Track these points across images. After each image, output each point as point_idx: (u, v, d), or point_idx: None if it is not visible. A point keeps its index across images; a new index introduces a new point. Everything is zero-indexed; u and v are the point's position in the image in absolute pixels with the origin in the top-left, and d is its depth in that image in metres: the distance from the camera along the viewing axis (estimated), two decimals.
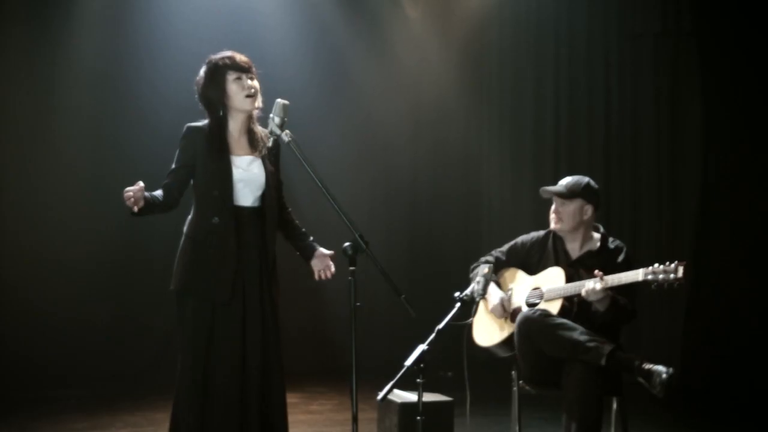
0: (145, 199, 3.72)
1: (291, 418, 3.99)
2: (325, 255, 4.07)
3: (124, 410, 6.16)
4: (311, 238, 4.12)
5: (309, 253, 4.08)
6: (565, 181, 4.45)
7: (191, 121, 3.97)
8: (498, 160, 8.33)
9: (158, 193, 3.86)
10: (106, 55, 7.44)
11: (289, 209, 4.14)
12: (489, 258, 4.61)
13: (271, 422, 3.86)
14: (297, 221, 4.15)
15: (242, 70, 3.91)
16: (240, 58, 3.94)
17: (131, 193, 3.65)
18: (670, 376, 3.83)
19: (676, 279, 3.91)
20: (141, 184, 3.69)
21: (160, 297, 7.12)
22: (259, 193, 3.92)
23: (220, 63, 3.92)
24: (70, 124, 7.40)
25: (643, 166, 7.97)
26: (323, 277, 4.12)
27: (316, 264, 4.08)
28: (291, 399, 4.00)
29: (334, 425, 5.88)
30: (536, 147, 8.20)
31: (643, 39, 7.94)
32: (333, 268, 4.08)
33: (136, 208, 3.68)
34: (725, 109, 7.54)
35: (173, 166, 3.94)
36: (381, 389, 3.58)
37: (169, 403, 6.00)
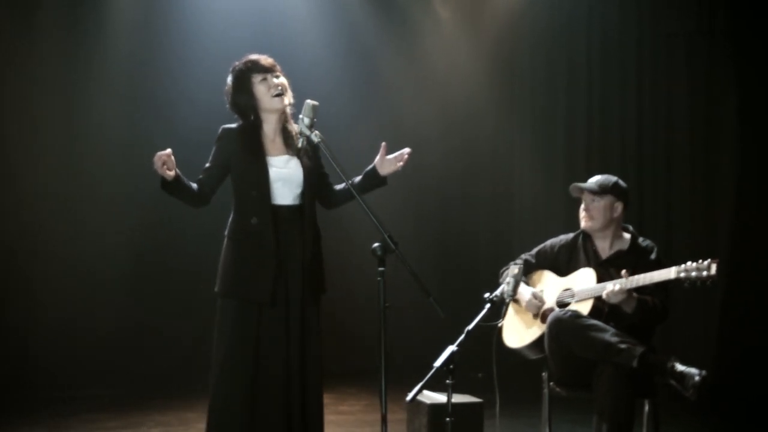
0: (177, 174, 3.75)
1: None
2: (380, 160, 3.97)
3: (156, 409, 6.21)
4: (359, 177, 4.01)
5: (374, 174, 4.00)
6: (595, 179, 4.45)
7: (216, 125, 3.99)
8: (529, 161, 8.28)
9: (193, 184, 3.90)
10: (136, 59, 7.50)
11: (335, 187, 4.05)
12: (518, 261, 4.59)
13: (306, 422, 3.86)
14: (341, 186, 4.05)
15: (266, 70, 3.92)
16: (262, 59, 3.95)
17: (163, 156, 3.68)
18: (703, 379, 3.79)
19: (708, 276, 3.87)
20: (169, 150, 3.71)
21: (191, 298, 7.24)
22: (298, 191, 3.91)
23: (244, 67, 3.94)
24: (99, 128, 7.46)
25: (677, 167, 7.87)
26: (405, 160, 3.99)
27: (389, 169, 3.99)
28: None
29: (364, 426, 5.88)
30: (567, 147, 8.13)
31: (677, 38, 7.84)
32: (405, 151, 3.97)
33: (168, 173, 3.69)
34: (760, 108, 7.46)
35: (207, 164, 3.97)
36: (410, 390, 3.57)
37: (200, 402, 6.04)
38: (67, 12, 7.35)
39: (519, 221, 8.29)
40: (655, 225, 7.62)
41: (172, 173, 3.73)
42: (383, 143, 3.98)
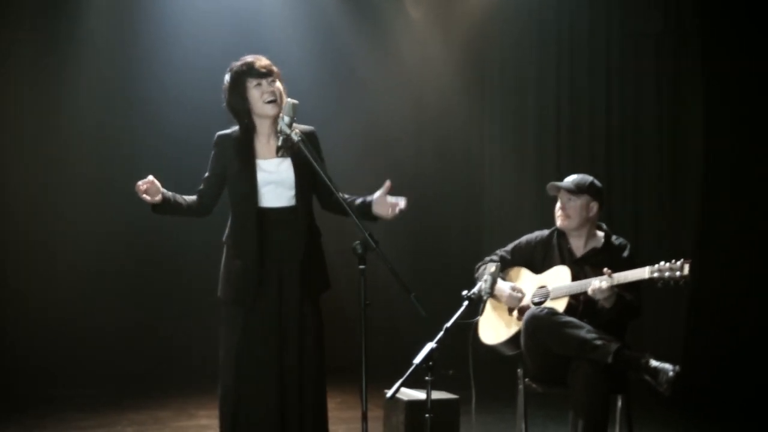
0: (164, 195, 3.79)
1: None
2: (380, 197, 3.93)
3: (131, 409, 6.19)
4: (360, 199, 3.97)
5: (367, 210, 3.93)
6: (572, 178, 4.50)
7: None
8: (500, 157, 8.37)
9: (190, 197, 3.95)
10: (114, 56, 7.48)
11: (338, 195, 3.88)
12: (494, 257, 4.63)
13: (307, 423, 3.89)
14: (346, 197, 3.97)
15: (261, 75, 3.89)
16: (259, 63, 3.91)
17: (141, 186, 3.73)
18: (676, 374, 3.87)
19: (682, 277, 3.94)
20: (150, 177, 3.76)
21: (167, 299, 7.24)
22: (291, 192, 3.92)
23: (240, 70, 3.91)
24: (80, 127, 7.43)
25: (645, 164, 7.98)
26: (396, 212, 3.94)
27: (380, 211, 3.93)
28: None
29: (339, 423, 5.89)
30: (537, 145, 8.22)
31: (645, 38, 7.95)
32: (401, 203, 3.91)
33: (149, 198, 3.74)
34: (726, 108, 7.56)
35: (206, 174, 4.00)
36: (385, 387, 3.60)
37: (175, 401, 6.06)
38: (40, 10, 7.29)
39: (489, 217, 8.38)
40: (623, 221, 7.72)
41: (157, 198, 3.76)
42: (388, 182, 3.92)
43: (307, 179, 3.95)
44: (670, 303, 7.51)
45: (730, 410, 6.52)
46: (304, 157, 3.88)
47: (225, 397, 3.88)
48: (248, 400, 3.84)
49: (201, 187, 3.99)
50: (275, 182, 3.90)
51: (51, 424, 5.76)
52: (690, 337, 7.43)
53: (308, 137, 3.86)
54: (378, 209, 3.92)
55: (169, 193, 3.86)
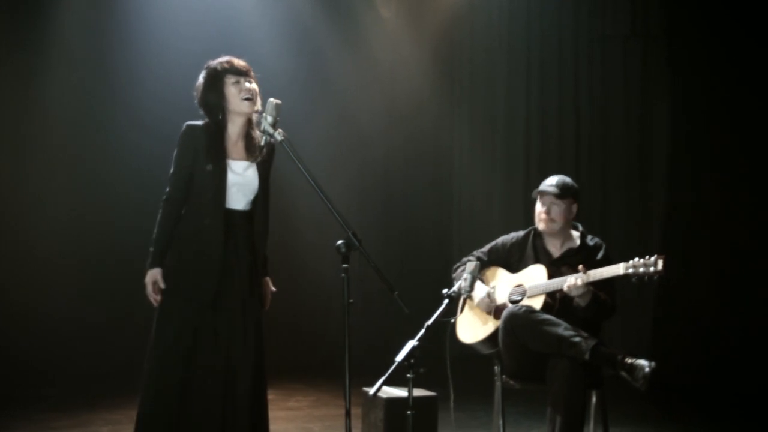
0: (163, 268, 3.89)
1: (270, 414, 4.04)
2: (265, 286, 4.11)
3: (104, 408, 6.15)
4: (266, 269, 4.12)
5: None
6: (555, 181, 4.51)
7: (178, 115, 4.00)
8: (469, 157, 8.46)
9: (162, 215, 3.94)
10: (93, 51, 7.48)
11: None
12: (471, 258, 4.67)
13: (252, 420, 3.89)
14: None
15: (240, 73, 3.94)
16: (238, 62, 3.97)
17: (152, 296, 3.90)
18: (653, 370, 3.94)
19: (656, 272, 4.00)
20: (155, 284, 3.89)
21: (138, 294, 7.17)
22: (251, 197, 3.97)
23: (219, 67, 3.95)
24: (61, 123, 7.43)
25: (612, 163, 8.13)
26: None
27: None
28: (268, 396, 4.04)
29: (314, 421, 5.93)
30: (506, 142, 8.35)
31: (613, 40, 8.08)
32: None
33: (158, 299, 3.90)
34: (691, 108, 7.72)
35: (173, 169, 3.95)
36: (357, 385, 3.63)
37: None
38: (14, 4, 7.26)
39: (459, 216, 8.47)
40: (591, 219, 7.83)
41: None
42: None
43: (267, 186, 4.02)
44: (637, 299, 7.65)
45: (694, 404, 6.67)
46: (266, 163, 3.98)
47: (159, 394, 3.84)
48: (195, 401, 3.83)
49: (169, 188, 3.94)
50: (239, 185, 3.93)
51: (23, 425, 5.68)
52: (656, 332, 7.58)
53: (269, 148, 3.92)
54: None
55: (165, 252, 3.92)
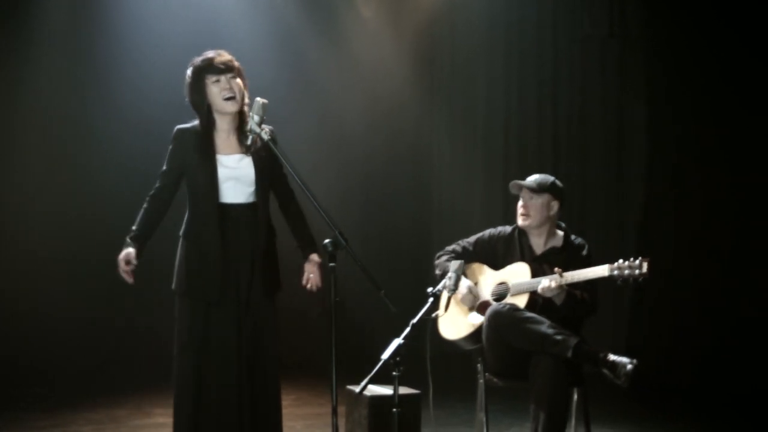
0: (138, 249, 3.88)
1: None
2: (311, 263, 4.11)
3: (86, 408, 6.12)
4: (314, 247, 4.12)
5: (304, 254, 4.13)
6: (534, 177, 4.57)
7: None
8: (449, 156, 8.50)
9: (146, 207, 3.97)
10: (78, 48, 7.48)
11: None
12: (456, 247, 4.70)
13: (263, 413, 3.94)
14: (304, 221, 4.16)
15: (220, 71, 3.90)
16: (219, 59, 3.93)
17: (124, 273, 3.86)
18: (635, 367, 3.99)
19: (641, 274, 4.05)
20: (128, 263, 3.86)
21: (120, 294, 7.14)
22: (251, 189, 3.95)
23: (199, 66, 3.93)
24: (50, 121, 7.43)
25: (591, 163, 8.17)
26: (307, 285, 4.12)
27: (305, 269, 4.12)
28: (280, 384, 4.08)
29: (296, 419, 5.93)
30: (487, 143, 8.37)
31: (592, 40, 8.14)
32: (318, 282, 4.08)
33: (131, 280, 3.88)
34: (668, 109, 7.79)
35: (164, 167, 3.99)
36: (341, 383, 3.68)
37: (130, 399, 6.00)
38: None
39: (439, 215, 8.51)
40: (570, 217, 7.89)
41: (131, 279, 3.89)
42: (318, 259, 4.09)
43: (266, 177, 3.99)
44: (613, 297, 7.71)
45: (671, 400, 6.74)
46: (264, 153, 3.94)
47: (182, 389, 3.89)
48: (209, 393, 3.87)
49: (158, 184, 3.99)
50: (235, 178, 3.92)
51: (3, 425, 5.66)
52: (632, 330, 7.65)
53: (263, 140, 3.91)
54: (305, 267, 4.11)
55: (142, 237, 3.93)
